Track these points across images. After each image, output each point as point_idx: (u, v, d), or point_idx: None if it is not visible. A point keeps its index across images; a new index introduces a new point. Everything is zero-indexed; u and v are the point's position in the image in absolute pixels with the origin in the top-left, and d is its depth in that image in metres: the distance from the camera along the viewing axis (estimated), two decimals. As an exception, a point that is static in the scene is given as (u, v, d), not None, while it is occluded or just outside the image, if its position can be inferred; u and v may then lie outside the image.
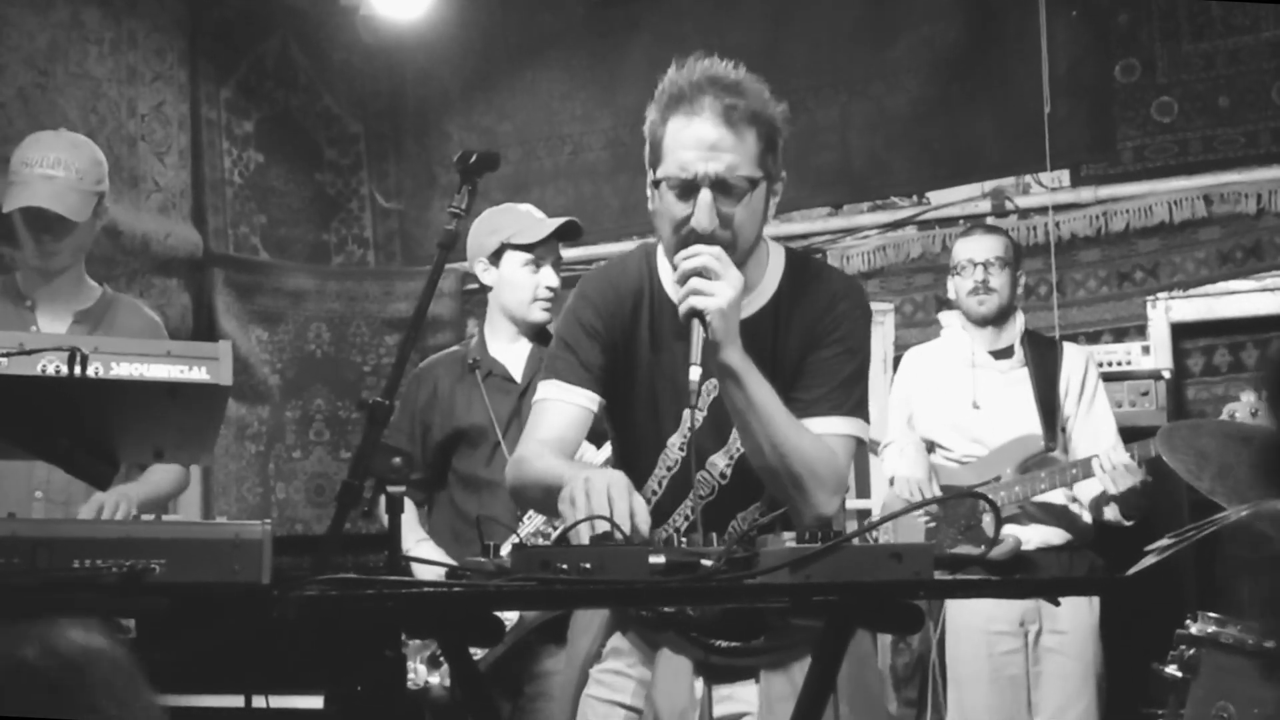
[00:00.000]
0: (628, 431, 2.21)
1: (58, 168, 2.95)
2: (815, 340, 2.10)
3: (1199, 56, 4.74)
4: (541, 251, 3.31)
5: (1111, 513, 3.66)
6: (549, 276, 3.31)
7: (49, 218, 2.95)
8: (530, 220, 3.34)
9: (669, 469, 2.16)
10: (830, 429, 2.06)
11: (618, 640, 2.22)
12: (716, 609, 2.12)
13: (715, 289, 1.93)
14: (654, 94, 2.05)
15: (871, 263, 5.15)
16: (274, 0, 5.52)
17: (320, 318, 5.60)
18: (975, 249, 3.86)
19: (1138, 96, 4.80)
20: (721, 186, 1.98)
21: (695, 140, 1.98)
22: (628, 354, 2.16)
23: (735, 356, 1.96)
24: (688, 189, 1.99)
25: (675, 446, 2.16)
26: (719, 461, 2.15)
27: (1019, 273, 3.90)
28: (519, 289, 3.31)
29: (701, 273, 1.94)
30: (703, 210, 1.97)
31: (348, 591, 1.70)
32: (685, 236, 2.00)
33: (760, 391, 1.98)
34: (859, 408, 2.10)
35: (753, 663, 2.15)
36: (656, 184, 2.04)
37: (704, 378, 1.95)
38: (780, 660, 2.13)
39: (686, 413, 2.11)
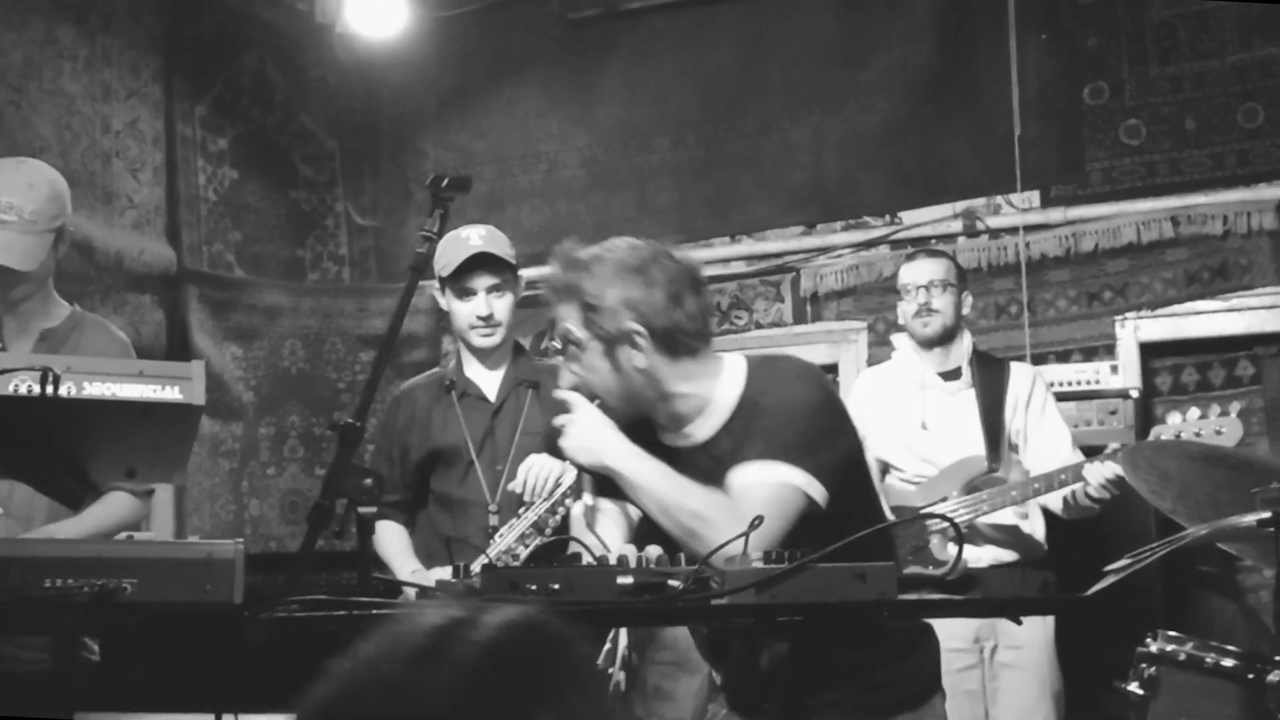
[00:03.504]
0: None
1: (9, 212, 2.81)
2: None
3: (1166, 80, 4.80)
4: (466, 281, 3.29)
5: (1082, 507, 3.65)
6: (479, 305, 3.29)
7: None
8: (454, 252, 3.30)
9: None
10: (748, 475, 2.10)
11: (714, 708, 2.43)
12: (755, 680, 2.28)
13: (566, 434, 2.26)
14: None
15: (844, 282, 5.19)
16: (250, 18, 5.52)
17: (295, 334, 5.59)
18: (917, 273, 3.93)
19: (1106, 119, 4.86)
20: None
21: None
22: None
23: (609, 461, 2.20)
24: None
25: None
26: None
27: (964, 294, 3.96)
28: (456, 318, 3.35)
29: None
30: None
31: (318, 612, 1.71)
32: None
33: (639, 472, 2.17)
34: (794, 456, 2.10)
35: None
36: None
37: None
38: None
39: None
